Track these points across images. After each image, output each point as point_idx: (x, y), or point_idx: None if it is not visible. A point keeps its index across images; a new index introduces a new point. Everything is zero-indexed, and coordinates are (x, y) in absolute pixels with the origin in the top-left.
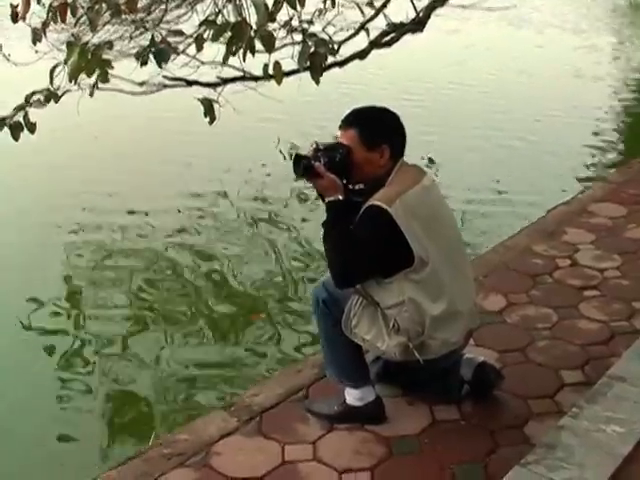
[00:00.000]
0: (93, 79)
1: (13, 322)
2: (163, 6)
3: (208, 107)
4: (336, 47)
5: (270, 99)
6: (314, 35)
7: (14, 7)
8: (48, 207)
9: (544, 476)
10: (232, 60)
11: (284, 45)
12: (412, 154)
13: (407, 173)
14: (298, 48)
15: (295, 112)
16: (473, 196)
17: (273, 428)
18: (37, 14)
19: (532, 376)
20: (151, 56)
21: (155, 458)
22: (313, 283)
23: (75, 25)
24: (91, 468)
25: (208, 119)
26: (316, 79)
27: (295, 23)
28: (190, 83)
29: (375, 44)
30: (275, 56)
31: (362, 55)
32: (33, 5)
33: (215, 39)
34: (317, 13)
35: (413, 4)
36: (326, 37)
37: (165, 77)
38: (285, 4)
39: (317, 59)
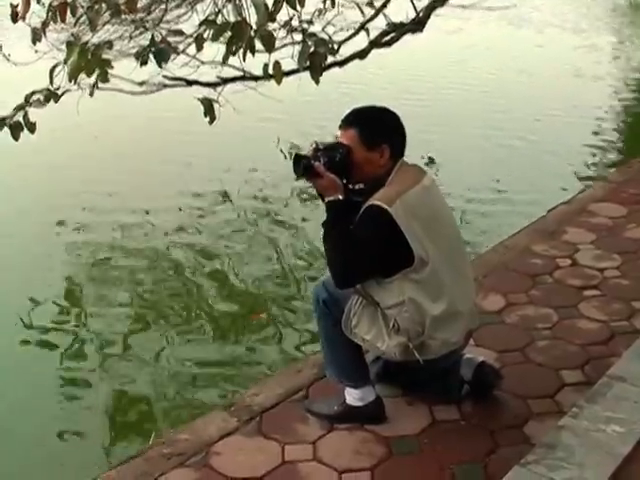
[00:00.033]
0: (93, 79)
1: (13, 322)
2: (163, 6)
3: (208, 107)
4: (336, 47)
5: (270, 99)
6: (314, 35)
7: (14, 7)
8: (48, 207)
9: (544, 476)
10: (232, 60)
11: (284, 45)
12: (412, 154)
13: (407, 173)
14: (298, 48)
15: (295, 112)
16: (473, 195)
17: (273, 428)
18: (37, 14)
19: (532, 376)
20: (151, 56)
21: (155, 458)
22: (314, 282)
23: (75, 25)
24: (91, 468)
25: (208, 119)
26: (316, 79)
27: (295, 23)
28: (190, 83)
29: (375, 44)
30: (275, 56)
31: (362, 55)
32: (33, 5)
33: (215, 39)
34: (317, 13)
35: (413, 4)
36: (326, 37)
37: (165, 77)
38: (285, 4)
39: (317, 59)
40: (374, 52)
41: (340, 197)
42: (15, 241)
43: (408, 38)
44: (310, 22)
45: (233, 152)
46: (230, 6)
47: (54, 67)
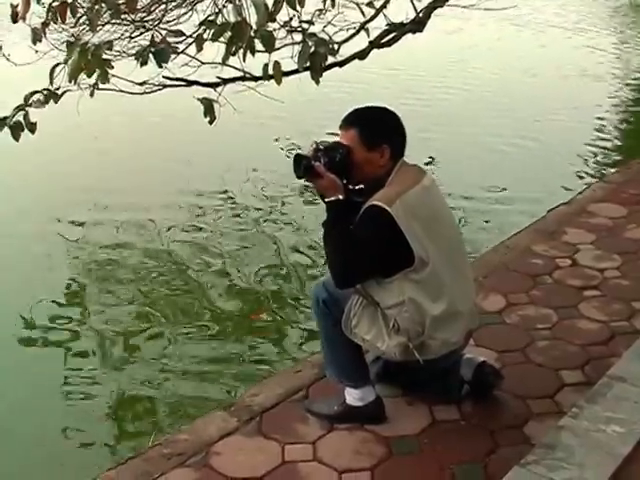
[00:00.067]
0: (93, 79)
1: (13, 322)
2: (163, 6)
3: (208, 107)
4: (336, 47)
5: (270, 99)
6: (314, 35)
7: (14, 7)
8: (48, 207)
9: (544, 476)
10: (232, 60)
11: (284, 45)
12: (413, 154)
13: (407, 173)
14: (298, 48)
15: (296, 112)
16: (474, 195)
17: (273, 428)
18: (37, 14)
19: (532, 376)
20: (151, 56)
21: (155, 458)
22: (315, 280)
23: (75, 25)
24: (91, 468)
25: (208, 119)
26: (316, 79)
27: (295, 23)
28: (190, 83)
29: (375, 44)
30: (275, 56)
31: (362, 55)
32: (33, 5)
33: (215, 39)
34: (317, 13)
35: (413, 4)
36: (326, 37)
37: (165, 77)
38: (285, 4)
39: (317, 59)
40: (374, 52)
41: (340, 197)
42: (15, 241)
43: (409, 38)
44: (310, 22)
45: (233, 152)
46: (230, 6)
47: (54, 67)
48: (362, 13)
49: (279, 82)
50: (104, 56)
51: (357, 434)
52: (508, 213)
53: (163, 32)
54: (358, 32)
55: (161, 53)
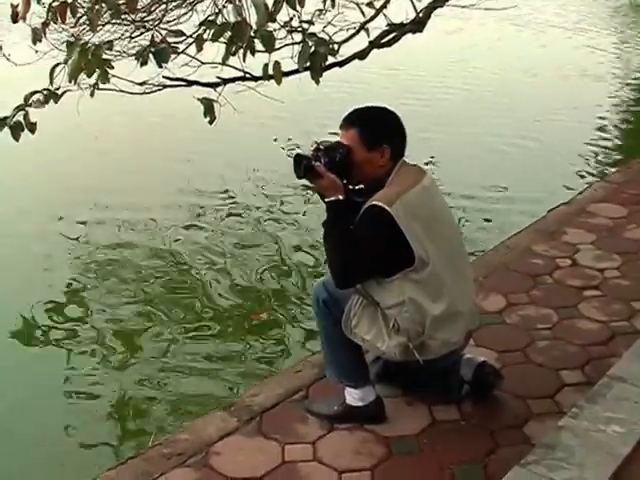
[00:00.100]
0: (93, 79)
1: (14, 322)
2: (163, 6)
3: (208, 107)
4: (336, 47)
5: (270, 99)
6: (314, 35)
7: (14, 7)
8: (48, 207)
9: (544, 476)
10: (232, 60)
11: (284, 45)
12: (413, 154)
13: (407, 173)
14: (298, 48)
15: (296, 111)
16: (474, 195)
17: (273, 428)
18: (37, 14)
19: (532, 376)
20: (151, 56)
21: (155, 458)
22: (316, 279)
23: (75, 25)
24: (91, 468)
25: (208, 119)
26: (316, 79)
27: (295, 23)
28: (190, 83)
29: (375, 44)
30: (275, 56)
31: (362, 55)
32: (33, 5)
33: (215, 39)
34: (317, 13)
35: (413, 4)
36: (326, 37)
37: (165, 77)
38: (285, 4)
39: (317, 59)
40: (374, 52)
41: (340, 197)
42: (15, 241)
43: (408, 38)
44: (310, 22)
45: (234, 151)
46: (230, 6)
47: (54, 67)
48: (362, 13)
49: (279, 82)
50: (104, 56)
51: (357, 434)
52: (508, 213)
53: (163, 32)
54: (358, 32)
55: (161, 53)
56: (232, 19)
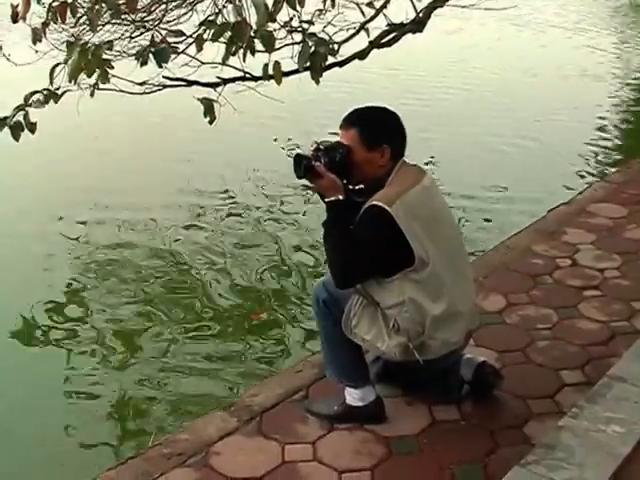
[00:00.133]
0: (93, 79)
1: (14, 322)
2: (163, 6)
3: (208, 107)
4: (336, 47)
5: (270, 99)
6: (314, 35)
7: (14, 7)
8: (48, 207)
9: (544, 476)
10: (232, 60)
11: (284, 45)
12: (413, 154)
13: (407, 173)
14: (298, 48)
15: (297, 111)
16: (474, 195)
17: (273, 428)
18: (37, 14)
19: (532, 376)
20: (151, 56)
21: (155, 458)
22: (316, 279)
23: (75, 25)
24: (91, 468)
25: (208, 119)
26: (316, 79)
27: (295, 23)
28: (190, 83)
29: (375, 44)
30: (275, 56)
31: (362, 55)
32: (33, 5)
33: (215, 39)
34: (317, 13)
35: (413, 4)
36: (326, 37)
37: (165, 77)
38: (285, 4)
39: (317, 59)
40: (374, 52)
41: (340, 197)
42: (15, 241)
43: (408, 38)
44: (310, 22)
45: (234, 151)
46: (230, 6)
47: (54, 67)
48: (362, 13)
49: (279, 82)
50: (104, 56)
51: (357, 434)
52: (508, 213)
53: (163, 32)
54: (358, 32)
55: (161, 53)
56: (232, 19)
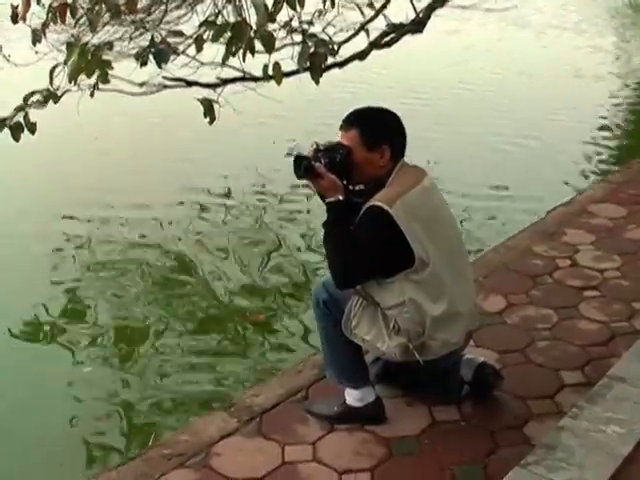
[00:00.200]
0: (93, 80)
1: (14, 322)
2: (163, 7)
3: (208, 107)
4: (336, 48)
5: (270, 99)
6: (314, 36)
7: (14, 8)
8: (48, 207)
9: (544, 477)
10: (232, 60)
11: (284, 45)
12: (413, 154)
13: (407, 174)
14: (298, 49)
15: (297, 111)
16: (476, 194)
17: (273, 429)
18: (37, 15)
19: (532, 377)
20: (151, 57)
21: (155, 458)
22: (317, 278)
23: (75, 26)
24: (91, 468)
25: (208, 119)
26: (316, 79)
27: (295, 24)
28: (190, 84)
29: (375, 45)
30: (275, 56)
31: (362, 56)
32: (33, 6)
33: (215, 39)
34: (317, 14)
35: (413, 5)
36: (326, 38)
37: (165, 78)
38: (285, 5)
39: (317, 59)
40: (375, 53)
41: (340, 198)
42: (15, 241)
43: (409, 39)
44: (310, 23)
45: (234, 151)
46: (230, 7)
47: (54, 68)
48: (362, 14)
49: (279, 82)
50: (104, 57)
51: (357, 435)
52: (510, 212)
53: (163, 33)
54: (358, 33)
55: (161, 54)
56: (232, 19)
